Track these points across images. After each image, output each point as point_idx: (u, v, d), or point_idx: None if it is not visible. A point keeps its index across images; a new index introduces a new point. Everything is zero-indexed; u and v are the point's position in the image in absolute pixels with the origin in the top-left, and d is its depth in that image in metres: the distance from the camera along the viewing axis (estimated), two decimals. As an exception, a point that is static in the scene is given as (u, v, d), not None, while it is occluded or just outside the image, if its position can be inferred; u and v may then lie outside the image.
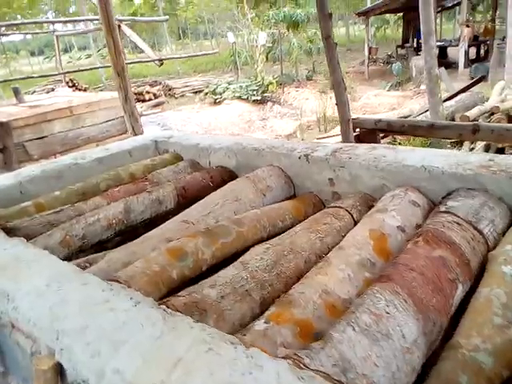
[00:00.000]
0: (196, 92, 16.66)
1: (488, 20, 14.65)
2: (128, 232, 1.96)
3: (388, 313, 1.01)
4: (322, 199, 2.14)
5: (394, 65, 13.53)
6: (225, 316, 1.19)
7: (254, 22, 14.77)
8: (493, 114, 5.65)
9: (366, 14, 15.89)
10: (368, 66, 16.16)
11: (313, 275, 1.32)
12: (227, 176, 2.43)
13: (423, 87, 12.17)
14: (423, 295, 1.10)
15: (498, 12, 13.96)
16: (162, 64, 8.56)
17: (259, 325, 1.12)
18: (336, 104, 3.58)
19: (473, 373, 0.92)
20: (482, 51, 15.88)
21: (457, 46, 16.54)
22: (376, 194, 1.93)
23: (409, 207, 1.67)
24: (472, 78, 10.67)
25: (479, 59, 15.57)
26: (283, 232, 1.90)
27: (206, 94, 14.88)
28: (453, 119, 5.41)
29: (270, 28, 15.24)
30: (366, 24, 16.36)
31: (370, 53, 16.18)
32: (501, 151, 4.77)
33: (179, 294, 1.21)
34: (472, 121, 5.05)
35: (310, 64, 16.93)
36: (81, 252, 1.79)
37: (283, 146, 2.30)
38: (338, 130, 9.11)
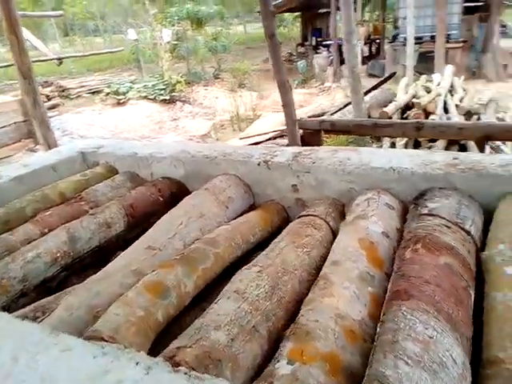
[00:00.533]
0: (94, 92, 15.55)
1: (376, 20, 15.84)
2: (74, 265, 1.67)
3: (431, 337, 0.93)
4: (284, 206, 2.04)
5: (299, 63, 14.00)
6: (239, 362, 1.02)
7: (157, 18, 14.20)
8: (405, 110, 6.10)
9: (266, 13, 16.15)
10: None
11: (318, 298, 1.21)
12: (176, 188, 2.21)
13: (327, 84, 12.79)
14: (450, 310, 1.05)
15: (386, 12, 15.17)
16: (61, 63, 7.77)
17: (283, 367, 0.98)
18: (282, 105, 3.51)
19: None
20: (374, 49, 17.14)
21: (351, 44, 17.67)
22: (343, 198, 1.89)
23: (386, 211, 1.64)
24: (370, 75, 11.44)
25: (371, 57, 16.79)
26: (255, 247, 1.77)
27: (108, 94, 13.96)
28: (369, 116, 5.73)
29: (173, 25, 14.77)
30: (267, 22, 16.66)
31: (273, 51, 16.56)
32: (417, 145, 5.15)
33: (183, 344, 1.01)
34: (389, 117, 5.39)
35: (216, 62, 16.82)
36: (22, 297, 1.47)
37: (237, 153, 2.15)
38: (255, 128, 9.15)
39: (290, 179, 1.98)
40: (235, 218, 1.88)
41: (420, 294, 1.09)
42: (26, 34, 7.38)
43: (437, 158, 1.79)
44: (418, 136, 3.63)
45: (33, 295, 1.51)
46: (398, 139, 5.03)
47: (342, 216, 1.80)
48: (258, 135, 6.64)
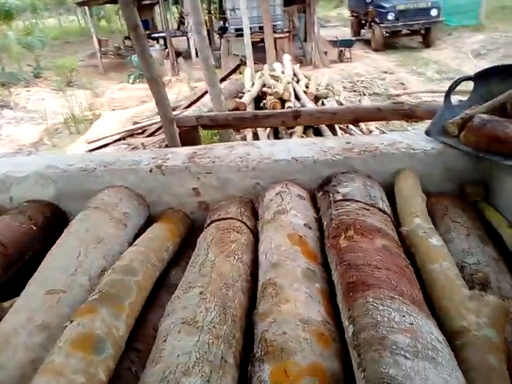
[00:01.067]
0: None
1: (205, 12, 16.08)
2: None
3: (412, 323, 0.94)
4: (185, 213, 1.88)
5: (133, 56, 13.28)
6: (223, 405, 0.88)
7: None
8: (257, 99, 6.31)
9: (87, 4, 14.89)
10: (101, 59, 15.38)
11: (274, 306, 1.12)
12: (49, 211, 1.84)
13: (167, 78, 12.50)
14: (409, 291, 1.08)
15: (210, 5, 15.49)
16: None
17: (273, 396, 0.88)
18: (156, 103, 3.19)
19: (493, 350, 0.96)
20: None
21: (180, 36, 17.63)
22: (249, 194, 1.82)
23: (300, 202, 1.64)
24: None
25: (203, 49, 17.00)
26: (169, 267, 1.59)
27: None
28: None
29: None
30: (90, 14, 15.38)
31: (100, 45, 15.39)
32: (277, 132, 5.37)
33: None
34: (244, 109, 5.46)
35: (34, 59, 14.84)
36: None
37: (121, 160, 1.89)
38: (97, 129, 8.40)
39: (189, 182, 1.82)
40: (136, 237, 1.65)
41: (377, 281, 1.10)
42: None
43: (331, 144, 1.86)
44: (297, 124, 3.81)
45: None
46: (259, 129, 5.22)
47: (254, 213, 1.74)
48: (107, 137, 6.11)
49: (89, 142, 6.40)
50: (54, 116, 10.31)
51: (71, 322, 1.05)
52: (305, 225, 1.50)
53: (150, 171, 1.82)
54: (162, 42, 17.31)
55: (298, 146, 1.84)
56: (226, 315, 1.11)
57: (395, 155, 1.72)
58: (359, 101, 8.31)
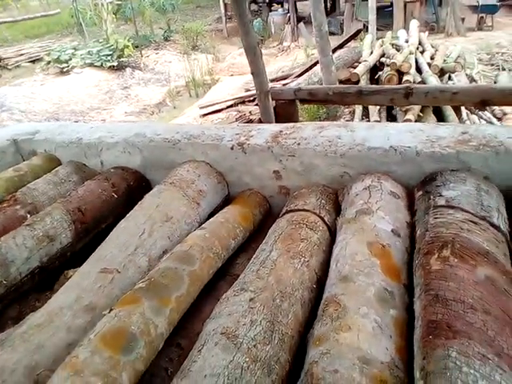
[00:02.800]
0: (34, 61, 14.24)
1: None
2: (9, 295, 1.31)
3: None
4: (265, 196, 1.74)
5: (254, 21, 13.27)
6: None
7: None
8: (373, 71, 5.77)
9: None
10: (226, 24, 15.66)
11: (332, 332, 0.93)
12: (133, 180, 1.85)
13: (286, 44, 12.27)
14: (510, 350, 0.80)
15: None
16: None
17: None
18: (252, 74, 3.10)
19: None
20: (329, 5, 16.60)
21: (306, 0, 17.02)
22: (335, 184, 1.61)
23: (391, 201, 1.37)
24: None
25: (327, 13, 16.26)
26: (236, 253, 1.48)
27: (49, 62, 12.78)
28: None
29: (115, -17, 13.53)
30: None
31: (226, 9, 15.63)
32: (390, 110, 4.83)
33: None
34: (356, 82, 5.01)
35: (164, 23, 15.71)
36: None
37: (205, 134, 1.80)
38: (213, 94, 8.64)
39: (270, 164, 1.67)
40: (209, 217, 1.57)
41: (469, 327, 0.84)
42: None
43: (442, 132, 1.52)
44: (408, 104, 3.34)
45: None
46: (370, 106, 4.75)
47: (337, 207, 1.53)
48: (219, 103, 6.21)
49: (201, 107, 6.58)
50: (178, 79, 10.85)
51: (110, 310, 0.99)
52: (392, 231, 1.25)
53: (232, 148, 1.70)
54: (286, 6, 16.95)
55: (399, 133, 1.55)
56: (274, 333, 0.96)
57: (527, 155, 1.34)
58: (496, 76, 7.12)
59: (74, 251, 1.51)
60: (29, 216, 1.64)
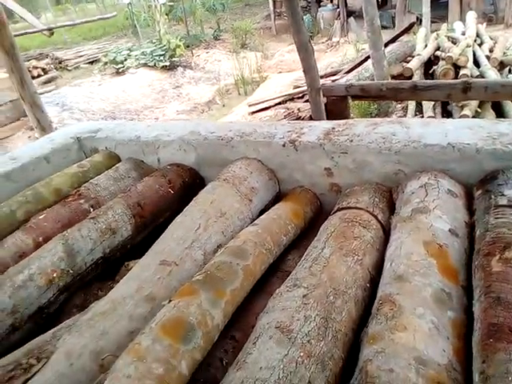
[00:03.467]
0: (92, 62, 14.97)
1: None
2: (74, 284, 1.40)
3: None
4: (316, 194, 1.74)
5: (304, 18, 13.21)
6: None
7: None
8: (427, 65, 5.55)
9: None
10: (275, 21, 15.66)
11: (387, 332, 0.93)
12: (188, 177, 1.91)
13: (335, 39, 12.09)
14: None
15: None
16: (52, 34, 7.30)
17: None
18: (303, 71, 3.11)
19: None
20: (380, -2, 16.12)
21: (356, -6, 16.65)
22: (388, 182, 1.58)
23: (449, 200, 1.33)
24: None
25: (378, 7, 15.82)
26: (287, 250, 1.49)
27: (106, 63, 13.38)
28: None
29: (168, -15, 13.93)
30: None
31: (274, 6, 15.64)
32: (445, 106, 4.63)
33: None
34: (409, 77, 4.83)
35: (214, 22, 15.98)
36: (14, 331, 1.22)
37: (257, 132, 1.83)
38: (262, 91, 8.69)
39: (322, 161, 1.67)
40: (261, 213, 1.60)
41: (533, 332, 0.81)
42: (11, 4, 6.87)
43: (504, 129, 1.46)
44: (466, 99, 3.19)
45: (27, 327, 1.25)
46: (424, 102, 4.56)
47: (390, 205, 1.50)
48: (268, 100, 6.23)
49: (250, 105, 6.64)
50: (227, 77, 11.01)
51: (169, 301, 1.04)
52: (450, 231, 1.21)
53: (284, 146, 1.72)
54: (336, 1, 16.68)
55: (457, 129, 1.49)
56: (327, 329, 0.97)
57: None
58: None
59: (133, 244, 1.60)
60: (92, 210, 1.74)
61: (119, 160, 2.13)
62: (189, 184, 1.88)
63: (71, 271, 1.35)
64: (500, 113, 4.45)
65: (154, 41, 13.18)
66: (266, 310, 1.07)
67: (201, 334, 0.98)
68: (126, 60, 12.51)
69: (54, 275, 1.31)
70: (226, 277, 1.14)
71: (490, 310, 0.90)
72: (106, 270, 1.52)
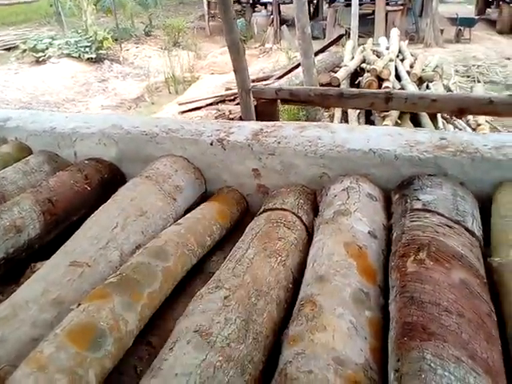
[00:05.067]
0: (9, 49, 13.80)
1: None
2: (-29, 287, 1.24)
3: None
4: (243, 194, 1.72)
5: (237, 21, 13.26)
6: None
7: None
8: (353, 76, 5.83)
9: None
10: (209, 22, 15.57)
11: (307, 332, 0.92)
12: (108, 172, 1.80)
13: (268, 45, 12.30)
14: (483, 353, 0.81)
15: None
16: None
17: None
18: (234, 71, 3.06)
19: None
20: (312, 9, 16.71)
21: (289, 3, 17.11)
22: (313, 184, 1.60)
23: (368, 203, 1.38)
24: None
25: (310, 17, 16.36)
26: (212, 251, 1.45)
27: (24, 50, 12.40)
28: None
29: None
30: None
31: (209, 7, 15.55)
32: (369, 114, 4.91)
33: None
34: (336, 86, 5.05)
35: (146, 17, 15.50)
36: None
37: (184, 129, 1.77)
38: (193, 91, 8.56)
39: (250, 162, 1.65)
40: (185, 213, 1.54)
41: (443, 330, 0.84)
42: None
43: (421, 137, 1.54)
44: (387, 108, 3.39)
45: None
46: (349, 111, 4.80)
47: (314, 207, 1.52)
48: (199, 100, 6.15)
49: (180, 104, 6.51)
50: (157, 74, 10.71)
51: (78, 305, 0.95)
52: (369, 233, 1.25)
53: (211, 144, 1.68)
54: (270, 8, 16.99)
55: (379, 136, 1.56)
56: (248, 332, 0.94)
57: (501, 162, 1.36)
58: (471, 88, 7.33)
59: (42, 243, 1.46)
60: (-5, 205, 1.57)
61: (31, 152, 1.95)
62: (108, 180, 1.77)
63: (-35, 273, 1.20)
64: (417, 124, 4.80)
65: (79, 31, 12.47)
66: (185, 314, 1.02)
67: (112, 340, 0.90)
68: (47, 49, 11.69)
69: None
70: (143, 279, 1.07)
71: (405, 309, 0.93)
72: (10, 272, 1.37)
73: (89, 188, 1.66)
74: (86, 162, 1.80)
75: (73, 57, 11.36)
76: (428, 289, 0.95)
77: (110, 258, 1.21)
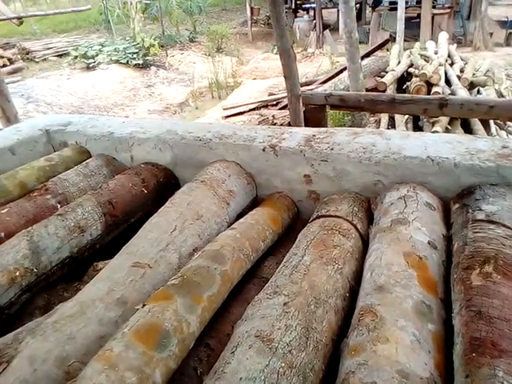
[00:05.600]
0: (61, 55, 14.52)
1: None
2: (38, 284, 1.31)
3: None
4: (294, 200, 1.72)
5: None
6: None
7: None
8: (400, 81, 5.71)
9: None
10: (251, 28, 15.74)
11: (369, 343, 0.91)
12: (163, 177, 1.85)
13: (310, 50, 12.27)
14: (561, 374, 0.77)
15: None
16: (21, 23, 7.01)
17: None
18: (284, 77, 3.09)
19: None
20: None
21: (332, 7, 17.02)
22: (366, 192, 1.58)
23: (427, 212, 1.34)
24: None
25: (353, 22, 16.17)
26: (264, 256, 1.46)
27: (76, 57, 13.01)
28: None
29: (144, -17, 13.75)
30: (246, -17, 15.77)
31: (252, 13, 15.73)
32: (417, 120, 4.77)
33: None
34: (383, 91, 4.95)
35: (190, 24, 15.88)
36: (-32, 334, 1.12)
37: (236, 135, 1.79)
38: (236, 96, 8.67)
39: (301, 168, 1.65)
40: (238, 218, 1.56)
41: (515, 348, 0.81)
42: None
43: (482, 145, 1.49)
44: (442, 114, 3.29)
45: (-16, 329, 1.16)
46: (397, 114, 4.69)
47: (368, 215, 1.50)
48: (243, 105, 6.22)
49: (224, 109, 6.60)
50: (201, 79, 10.93)
51: (143, 305, 0.98)
52: (429, 243, 1.22)
53: (263, 150, 1.69)
54: (312, 13, 16.96)
55: (437, 143, 1.52)
56: (309, 339, 0.94)
57: None
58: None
59: (102, 243, 1.52)
60: (59, 206, 1.65)
61: (90, 156, 2.04)
62: (163, 184, 1.82)
63: (35, 270, 1.27)
64: (468, 131, 4.63)
65: (127, 38, 12.94)
66: (244, 318, 1.03)
67: (176, 341, 0.93)
68: (97, 55, 12.21)
69: (17, 274, 1.22)
70: (203, 282, 1.09)
71: (472, 324, 0.90)
72: (73, 270, 1.44)
73: (146, 191, 1.72)
74: (143, 165, 1.86)
75: (121, 63, 11.80)
76: (496, 304, 0.92)
77: (170, 259, 1.25)
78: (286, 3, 18.26)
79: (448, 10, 10.95)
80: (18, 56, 14.16)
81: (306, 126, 3.19)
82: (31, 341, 0.99)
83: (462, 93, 4.89)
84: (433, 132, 4.04)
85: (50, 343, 0.96)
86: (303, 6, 16.80)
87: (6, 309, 1.21)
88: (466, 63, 6.15)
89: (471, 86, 5.53)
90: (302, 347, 0.91)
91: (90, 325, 1.00)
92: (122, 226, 1.60)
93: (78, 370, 0.91)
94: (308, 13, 16.69)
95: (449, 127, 4.41)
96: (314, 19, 13.97)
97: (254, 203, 1.74)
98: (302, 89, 5.83)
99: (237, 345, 0.93)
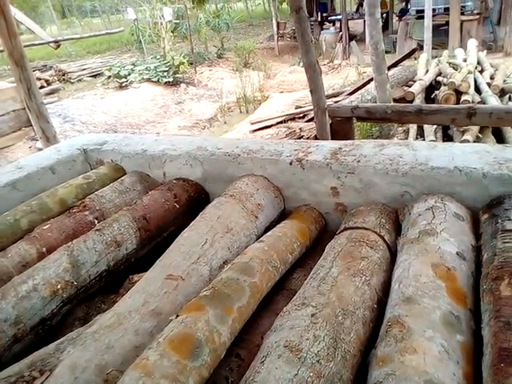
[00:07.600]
0: (95, 75, 15.13)
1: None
2: (78, 296, 1.39)
3: None
4: (321, 212, 1.75)
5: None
6: None
7: (156, -4, 13.61)
8: (429, 90, 5.64)
9: (270, -12, 15.50)
10: (278, 42, 15.94)
11: (396, 354, 0.92)
12: (194, 191, 1.92)
13: (337, 62, 12.29)
14: None
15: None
16: (58, 46, 7.38)
17: None
18: (310, 91, 3.15)
19: None
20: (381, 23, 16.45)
21: (358, 18, 17.01)
22: (393, 203, 1.59)
23: (455, 223, 1.34)
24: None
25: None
26: (292, 268, 1.49)
27: (109, 77, 13.52)
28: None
29: (174, 3, 14.18)
30: (272, -2, 16.03)
31: (278, 28, 15.94)
32: (446, 130, 4.69)
33: None
34: (411, 101, 4.91)
35: (218, 41, 16.25)
36: (15, 342, 1.20)
37: (264, 149, 1.84)
38: (263, 110, 8.78)
39: (328, 181, 1.68)
40: (266, 231, 1.60)
41: (548, 359, 0.80)
42: (20, 16, 6.95)
43: (510, 155, 1.48)
44: (471, 124, 3.24)
45: (29, 338, 1.24)
46: (425, 125, 4.62)
47: (396, 226, 1.51)
48: (270, 119, 6.29)
49: (252, 123, 6.70)
50: (229, 95, 11.13)
51: (177, 316, 1.03)
52: (457, 254, 1.22)
53: (290, 164, 1.73)
54: (338, 24, 17.00)
55: (464, 153, 1.51)
56: (337, 350, 0.96)
57: None
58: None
59: (137, 257, 1.59)
60: (96, 222, 1.74)
61: (124, 173, 2.14)
62: (194, 199, 1.89)
63: (75, 283, 1.34)
64: (500, 139, 4.51)
65: (158, 57, 13.35)
66: (273, 329, 1.06)
67: (208, 350, 0.97)
68: (129, 74, 12.63)
69: (59, 286, 1.29)
70: (233, 293, 1.13)
71: (501, 335, 0.90)
72: (110, 283, 1.51)
73: (178, 206, 1.79)
74: (175, 181, 1.93)
75: (152, 81, 12.17)
76: (527, 315, 0.91)
77: (201, 272, 1.30)
78: (312, 16, 18.42)
79: (477, 16, 10.73)
80: (55, 77, 14.84)
81: (332, 138, 3.21)
82: (72, 350, 1.05)
83: (493, 100, 4.77)
84: (463, 141, 3.97)
85: (90, 352, 1.02)
86: (329, 18, 16.89)
87: (48, 320, 1.29)
88: (497, 70, 6.01)
89: (502, 92, 5.40)
90: (330, 357, 0.93)
91: (127, 335, 1.06)
92: (155, 240, 1.67)
93: (116, 377, 0.96)
94: (334, 24, 16.76)
95: (480, 135, 4.31)
96: (340, 31, 14.00)
97: (282, 216, 1.78)
98: (329, 100, 5.87)
99: (266, 355, 0.96)
